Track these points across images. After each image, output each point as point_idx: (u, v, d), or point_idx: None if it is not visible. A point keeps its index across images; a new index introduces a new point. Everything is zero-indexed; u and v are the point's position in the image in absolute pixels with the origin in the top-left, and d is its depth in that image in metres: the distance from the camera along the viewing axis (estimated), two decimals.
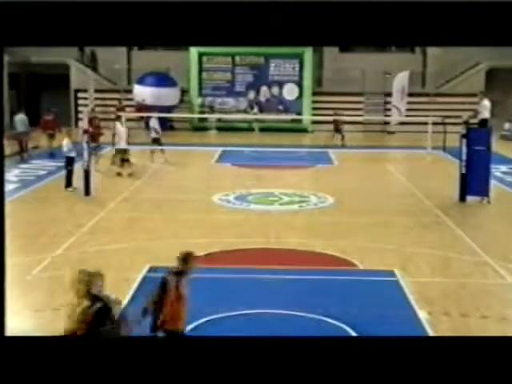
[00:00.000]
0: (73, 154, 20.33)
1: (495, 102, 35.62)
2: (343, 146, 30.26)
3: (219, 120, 36.55)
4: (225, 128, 36.18)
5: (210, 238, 14.83)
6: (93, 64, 38.32)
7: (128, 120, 26.75)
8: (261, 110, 37.65)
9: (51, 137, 25.35)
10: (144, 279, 11.92)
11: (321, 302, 10.89)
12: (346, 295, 11.49)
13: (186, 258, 7.62)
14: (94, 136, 22.62)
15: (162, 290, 7.47)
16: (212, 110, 37.37)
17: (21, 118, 25.85)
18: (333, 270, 12.94)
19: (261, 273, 12.43)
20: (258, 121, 36.53)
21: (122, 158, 23.24)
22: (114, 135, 24.16)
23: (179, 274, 7.56)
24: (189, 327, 9.69)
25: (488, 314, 10.52)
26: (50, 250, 13.63)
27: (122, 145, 23.50)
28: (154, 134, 26.11)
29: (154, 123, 26.39)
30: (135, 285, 11.56)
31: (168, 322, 7.42)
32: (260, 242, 14.64)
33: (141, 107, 34.23)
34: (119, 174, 22.76)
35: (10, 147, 24.01)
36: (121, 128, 24.01)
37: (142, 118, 33.49)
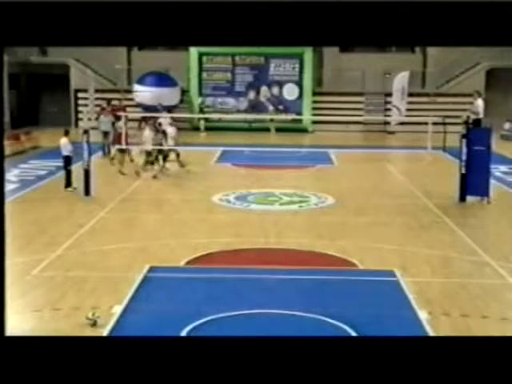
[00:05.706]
0: (71, 154, 20.29)
1: (495, 102, 35.62)
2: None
3: (208, 120, 36.51)
4: (219, 128, 36.09)
5: (209, 238, 14.83)
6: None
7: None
8: (260, 110, 37.65)
9: (118, 119, 26.30)
10: (144, 279, 11.93)
11: (321, 302, 10.89)
12: (345, 295, 11.49)
13: None
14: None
15: None
16: (202, 110, 37.32)
17: (103, 120, 28.62)
18: (333, 269, 12.94)
19: (261, 273, 12.43)
20: (272, 121, 36.56)
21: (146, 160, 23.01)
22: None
23: None
24: (189, 327, 9.72)
25: (488, 314, 10.51)
26: (50, 250, 13.63)
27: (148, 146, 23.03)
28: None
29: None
30: (135, 285, 11.56)
31: None
32: (260, 242, 14.63)
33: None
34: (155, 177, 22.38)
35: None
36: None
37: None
